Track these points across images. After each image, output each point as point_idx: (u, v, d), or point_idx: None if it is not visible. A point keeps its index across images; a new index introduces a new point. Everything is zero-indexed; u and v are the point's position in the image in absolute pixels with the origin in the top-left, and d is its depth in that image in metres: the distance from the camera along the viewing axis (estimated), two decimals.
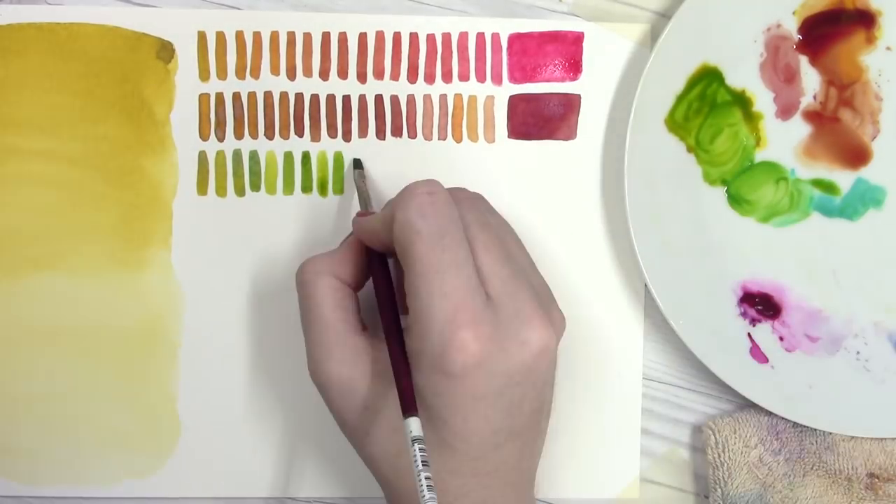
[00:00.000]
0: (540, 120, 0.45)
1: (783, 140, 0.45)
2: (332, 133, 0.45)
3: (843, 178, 0.45)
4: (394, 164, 0.45)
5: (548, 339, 0.36)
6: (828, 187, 0.45)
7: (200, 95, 0.45)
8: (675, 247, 0.44)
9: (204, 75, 0.45)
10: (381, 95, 0.45)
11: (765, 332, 0.45)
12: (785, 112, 0.45)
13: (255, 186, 0.45)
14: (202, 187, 0.45)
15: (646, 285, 0.45)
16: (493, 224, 0.39)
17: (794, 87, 0.45)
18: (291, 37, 0.45)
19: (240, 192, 0.45)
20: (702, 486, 0.46)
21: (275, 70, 0.45)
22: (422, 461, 0.33)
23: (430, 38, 0.45)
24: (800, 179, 0.45)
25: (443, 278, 0.35)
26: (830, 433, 0.45)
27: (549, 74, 0.45)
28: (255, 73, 0.45)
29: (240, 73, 0.45)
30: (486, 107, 0.45)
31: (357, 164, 0.45)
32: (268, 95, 0.45)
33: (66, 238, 0.44)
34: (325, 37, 0.45)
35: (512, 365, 0.36)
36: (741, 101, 0.45)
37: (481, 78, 0.45)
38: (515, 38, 0.45)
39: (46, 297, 0.44)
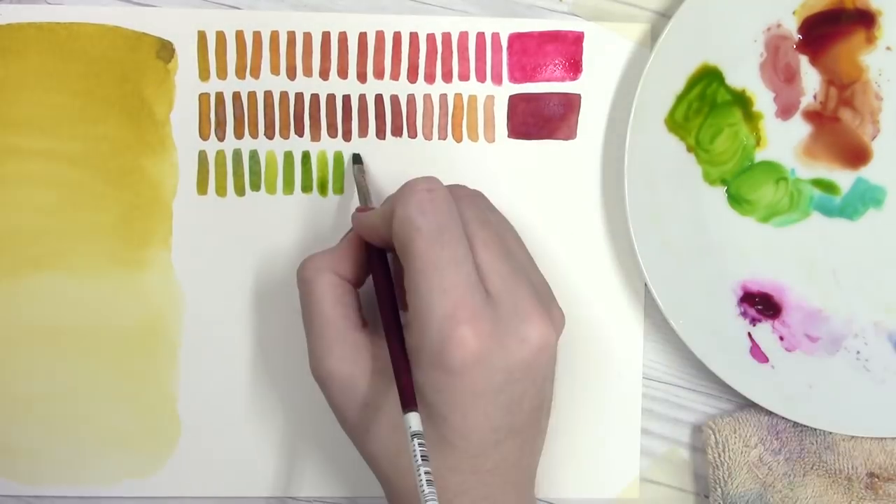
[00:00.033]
0: (540, 120, 0.45)
1: (783, 140, 0.45)
2: (332, 133, 0.45)
3: (843, 178, 0.45)
4: (394, 164, 0.45)
5: (547, 335, 0.36)
6: (828, 187, 0.45)
7: (200, 95, 0.45)
8: (675, 247, 0.44)
9: (204, 75, 0.45)
10: (381, 95, 0.45)
11: (765, 332, 0.45)
12: (785, 112, 0.45)
13: (255, 186, 0.45)
14: (202, 187, 0.45)
15: (646, 285, 0.45)
16: (493, 221, 0.39)
17: (794, 86, 0.45)
18: (291, 37, 0.45)
19: (240, 191, 0.45)
20: (702, 486, 0.46)
21: (275, 70, 0.45)
22: (421, 456, 0.33)
23: (430, 38, 0.45)
24: (800, 179, 0.45)
25: (442, 275, 0.35)
26: (830, 433, 0.45)
27: (549, 74, 0.45)
28: (255, 73, 0.45)
29: (240, 73, 0.45)
30: (486, 106, 0.45)
31: (357, 158, 0.45)
32: (268, 95, 0.45)
33: (66, 238, 0.44)
34: (325, 37, 0.45)
35: (511, 361, 0.36)
36: (741, 100, 0.45)
37: (481, 78, 0.45)
38: (515, 38, 0.45)
39: (46, 297, 0.44)
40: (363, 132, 0.45)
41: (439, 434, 0.36)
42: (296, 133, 0.45)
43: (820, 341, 0.45)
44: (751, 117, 0.45)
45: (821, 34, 0.44)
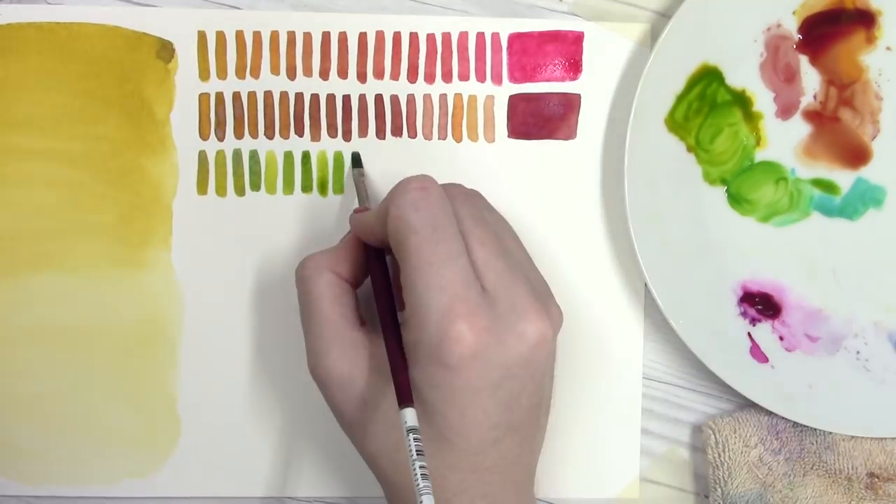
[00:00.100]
0: (540, 120, 0.45)
1: (783, 140, 0.45)
2: (332, 133, 0.45)
3: (843, 178, 0.45)
4: (394, 164, 0.45)
5: (544, 331, 0.36)
6: (828, 187, 0.45)
7: (200, 95, 0.45)
8: (675, 247, 0.44)
9: (204, 75, 0.45)
10: (381, 95, 0.45)
11: (765, 332, 0.45)
12: (785, 112, 0.45)
13: (255, 186, 0.45)
14: (202, 187, 0.45)
15: (646, 285, 0.45)
16: (489, 219, 0.39)
17: (794, 86, 0.45)
18: (291, 37, 0.45)
19: (240, 191, 0.45)
20: (702, 486, 0.46)
21: (275, 70, 0.45)
22: (416, 451, 0.33)
23: (430, 38, 0.45)
24: (800, 179, 0.45)
25: (438, 271, 0.35)
26: (830, 433, 0.45)
27: (549, 74, 0.45)
28: (255, 73, 0.45)
29: (240, 73, 0.45)
30: (486, 106, 0.45)
31: (356, 162, 0.45)
32: (268, 95, 0.45)
33: (66, 238, 0.44)
34: (325, 37, 0.45)
35: (509, 357, 0.36)
36: (741, 100, 0.45)
37: (481, 78, 0.45)
38: (515, 38, 0.45)
39: (46, 296, 0.44)
40: (363, 132, 0.45)
41: (437, 431, 0.36)
42: (296, 133, 0.45)
43: (820, 341, 0.45)
44: (751, 117, 0.45)
45: (821, 34, 0.44)
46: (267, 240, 0.45)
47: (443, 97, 0.45)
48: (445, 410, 0.36)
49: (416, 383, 0.36)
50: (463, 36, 0.45)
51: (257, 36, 0.45)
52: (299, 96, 0.45)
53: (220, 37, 0.45)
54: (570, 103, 0.45)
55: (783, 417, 0.45)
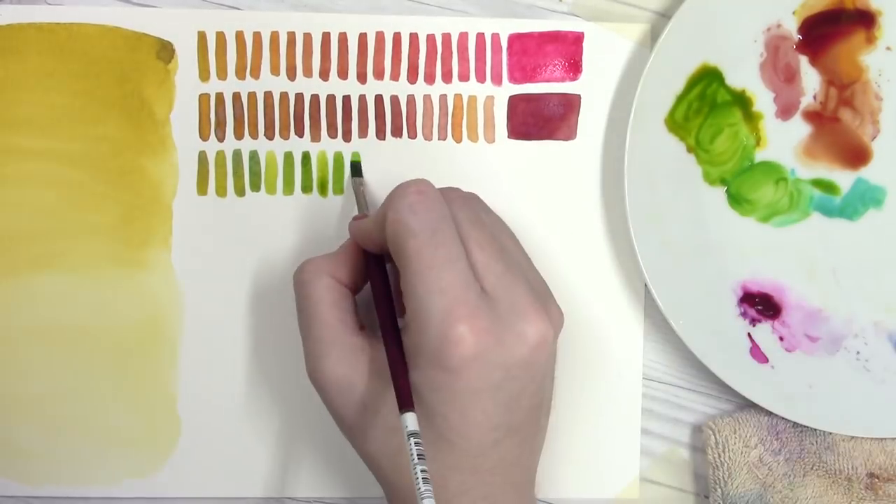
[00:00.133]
0: (540, 120, 0.45)
1: (783, 140, 0.45)
2: (332, 133, 0.45)
3: (843, 178, 0.45)
4: (394, 164, 0.45)
5: (545, 332, 0.36)
6: (828, 187, 0.45)
7: (200, 95, 0.45)
8: (675, 247, 0.44)
9: (204, 75, 0.45)
10: (381, 95, 0.45)
11: (765, 332, 0.45)
12: (785, 112, 0.45)
13: (255, 186, 0.45)
14: (202, 187, 0.45)
15: (646, 285, 0.45)
16: (487, 222, 0.39)
17: (794, 87, 0.45)
18: (291, 37, 0.45)
19: (240, 192, 0.45)
20: (702, 486, 0.46)
21: (275, 70, 0.45)
22: (418, 455, 0.33)
23: (430, 38, 0.45)
24: (800, 179, 0.45)
25: (438, 274, 0.35)
26: (830, 433, 0.45)
27: (549, 74, 0.45)
28: (255, 73, 0.45)
29: (240, 73, 0.45)
30: (486, 107, 0.45)
31: (355, 170, 0.45)
32: (268, 95, 0.45)
33: (66, 238, 0.44)
34: (325, 37, 0.45)
35: (509, 358, 0.36)
36: (741, 101, 0.45)
37: (481, 78, 0.45)
38: (515, 38, 0.45)
39: (46, 296, 0.44)
40: (363, 132, 0.45)
41: (438, 433, 0.36)
42: (296, 133, 0.45)
43: (820, 341, 0.45)
44: (751, 117, 0.45)
45: (821, 34, 0.44)
46: (267, 240, 0.45)
47: (443, 97, 0.45)
48: (446, 412, 0.36)
49: (417, 386, 0.36)
50: (463, 36, 0.45)
51: (257, 36, 0.45)
52: (299, 97, 0.45)
53: (220, 37, 0.45)
54: (570, 103, 0.45)
55: (783, 418, 0.44)
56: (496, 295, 0.36)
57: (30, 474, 0.45)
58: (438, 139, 0.45)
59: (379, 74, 0.45)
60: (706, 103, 0.44)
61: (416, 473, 0.33)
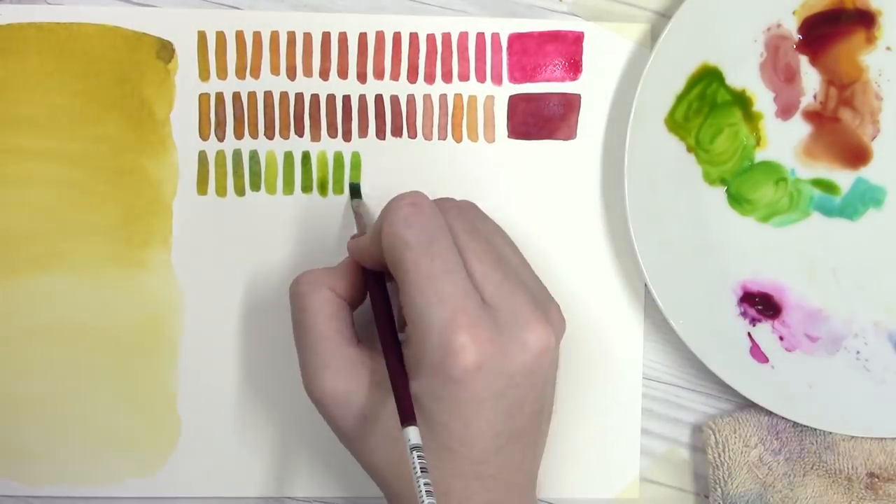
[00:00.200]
0: (540, 120, 0.45)
1: (783, 140, 0.45)
2: (332, 133, 0.45)
3: (843, 178, 0.45)
4: (394, 164, 0.45)
5: (547, 339, 0.36)
6: (828, 187, 0.45)
7: (200, 95, 0.45)
8: (675, 247, 0.44)
9: (204, 75, 0.45)
10: (381, 95, 0.45)
11: (765, 332, 0.45)
12: (785, 112, 0.45)
13: (255, 186, 0.45)
14: (202, 187, 0.45)
15: (646, 285, 0.45)
16: (484, 230, 0.39)
17: (794, 86, 0.45)
18: (291, 37, 0.45)
19: (240, 192, 0.45)
20: (702, 486, 0.46)
21: (275, 70, 0.45)
22: (420, 468, 0.33)
23: (430, 38, 0.45)
24: (800, 179, 0.45)
25: (436, 285, 0.35)
26: (830, 433, 0.45)
27: (549, 74, 0.45)
28: (255, 73, 0.45)
29: (240, 73, 0.45)
30: (486, 107, 0.45)
31: (354, 192, 0.45)
32: (268, 95, 0.45)
33: (66, 238, 0.44)
34: (325, 37, 0.45)
35: (512, 367, 0.36)
36: (741, 100, 0.45)
37: (481, 78, 0.45)
38: (515, 38, 0.45)
39: (46, 296, 0.44)
40: (363, 132, 0.45)
41: (440, 442, 0.36)
42: (296, 133, 0.45)
43: (820, 341, 0.45)
44: (751, 117, 0.45)
45: (821, 34, 0.44)
46: (267, 240, 0.45)
47: (443, 97, 0.45)
48: (449, 422, 0.36)
49: (418, 396, 0.36)
50: (463, 36, 0.45)
51: (257, 36, 0.45)
52: (299, 96, 0.45)
53: (220, 37, 0.45)
54: (570, 103, 0.45)
55: (783, 417, 0.45)
56: (496, 304, 0.36)
57: (30, 474, 0.45)
58: (438, 139, 0.45)
59: (379, 74, 0.45)
60: (706, 103, 0.44)
61: (419, 487, 0.33)
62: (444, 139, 0.45)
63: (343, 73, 0.45)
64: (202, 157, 0.45)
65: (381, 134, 0.45)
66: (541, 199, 0.45)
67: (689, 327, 0.44)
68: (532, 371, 0.36)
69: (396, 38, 0.45)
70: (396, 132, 0.45)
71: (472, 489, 0.37)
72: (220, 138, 0.45)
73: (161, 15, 0.44)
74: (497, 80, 0.45)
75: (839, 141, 0.45)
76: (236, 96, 0.45)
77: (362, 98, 0.45)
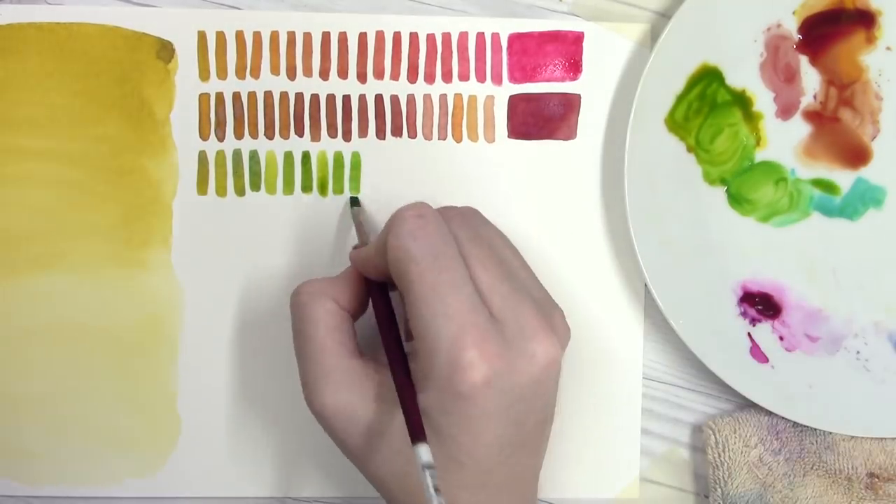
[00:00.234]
0: (540, 120, 0.45)
1: (783, 140, 0.45)
2: (332, 133, 0.45)
3: (843, 178, 0.45)
4: (394, 164, 0.45)
5: (554, 351, 0.36)
6: (828, 187, 0.45)
7: (200, 95, 0.45)
8: (675, 247, 0.44)
9: (204, 75, 0.45)
10: (381, 95, 0.45)
11: (765, 332, 0.45)
12: (785, 112, 0.45)
13: (255, 186, 0.45)
14: (202, 187, 0.45)
15: (646, 285, 0.45)
16: (487, 237, 0.39)
17: (794, 86, 0.45)
18: (291, 37, 0.45)
19: (240, 192, 0.45)
20: (702, 486, 0.46)
21: (275, 70, 0.45)
22: (434, 488, 0.33)
23: (430, 38, 0.45)
24: (800, 179, 0.45)
25: (443, 299, 0.35)
26: (830, 433, 0.45)
27: (549, 74, 0.45)
28: (255, 73, 0.45)
29: (240, 73, 0.45)
30: (486, 107, 0.45)
31: (354, 201, 0.44)
32: (268, 95, 0.45)
33: (66, 238, 0.44)
34: (325, 37, 0.45)
35: (520, 380, 0.35)
36: (741, 100, 0.45)
37: (481, 78, 0.45)
38: (515, 38, 0.45)
39: (46, 296, 0.44)
40: (363, 132, 0.45)
41: (448, 454, 0.36)
42: (296, 133, 0.45)
43: (820, 341, 0.45)
44: (751, 117, 0.45)
45: (821, 34, 0.44)
46: (267, 240, 0.45)
47: (443, 97, 0.45)
48: (458, 435, 0.35)
49: (426, 409, 0.36)
50: (463, 36, 0.45)
51: (257, 36, 0.45)
52: (299, 96, 0.45)
53: (220, 37, 0.45)
54: (570, 103, 0.45)
55: (783, 417, 0.45)
56: (503, 317, 0.36)
57: (30, 474, 0.45)
58: (438, 139, 0.45)
59: (379, 74, 0.45)
60: (706, 103, 0.44)
61: None
62: (444, 139, 0.45)
63: (343, 73, 0.45)
64: (202, 157, 0.45)
65: (381, 134, 0.45)
66: (541, 199, 0.45)
67: (689, 327, 0.44)
68: (539, 382, 0.36)
69: (396, 38, 0.45)
70: (396, 132, 0.45)
71: (478, 498, 0.36)
72: (220, 138, 0.45)
73: (161, 15, 0.44)
74: (497, 80, 0.45)
75: (839, 141, 0.45)
76: (236, 96, 0.45)
77: (362, 98, 0.45)
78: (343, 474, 0.45)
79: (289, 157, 0.45)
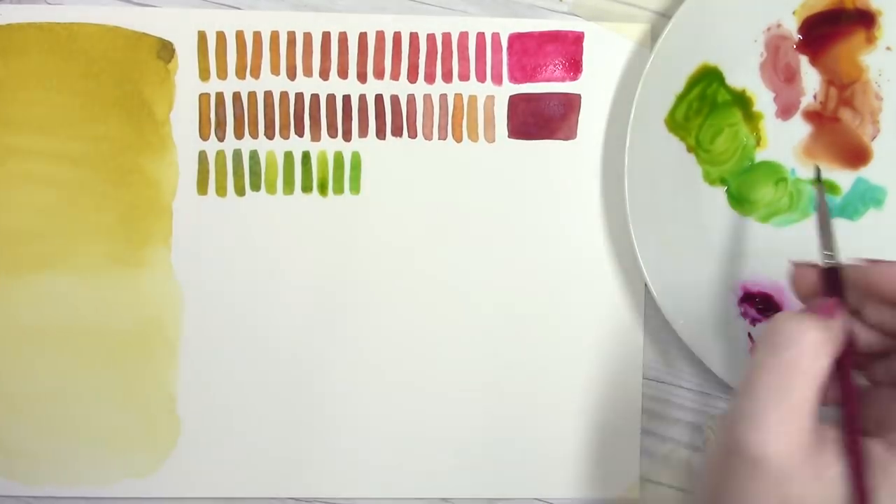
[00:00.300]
0: (540, 120, 0.45)
1: (783, 140, 0.45)
2: (332, 133, 0.45)
3: (844, 178, 0.45)
4: (394, 164, 0.45)
5: None
6: (828, 187, 0.45)
7: (200, 95, 0.45)
8: (675, 247, 0.44)
9: (204, 75, 0.45)
10: (381, 95, 0.45)
11: None
12: (785, 112, 0.45)
13: (255, 186, 0.45)
14: (202, 187, 0.45)
15: (646, 285, 0.45)
16: None
17: (794, 86, 0.45)
18: (291, 37, 0.45)
19: (240, 192, 0.45)
20: None
21: (275, 70, 0.45)
22: None
23: (430, 38, 0.45)
24: (800, 179, 0.45)
25: None
26: None
27: (550, 74, 0.45)
28: (255, 73, 0.45)
29: (240, 73, 0.45)
30: (487, 107, 0.45)
31: (818, 177, 0.41)
32: (268, 95, 0.45)
33: (66, 238, 0.44)
34: (325, 37, 0.45)
35: None
36: (741, 100, 0.45)
37: (481, 78, 0.45)
38: (515, 38, 0.45)
39: (46, 296, 0.44)
40: (363, 132, 0.45)
41: None
42: (296, 133, 0.45)
43: None
44: (751, 117, 0.45)
45: (821, 34, 0.44)
46: (267, 240, 0.45)
47: (443, 97, 0.45)
48: None
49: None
50: (463, 36, 0.45)
51: (257, 36, 0.45)
52: (299, 96, 0.45)
53: (220, 37, 0.45)
54: (570, 103, 0.45)
55: None
56: None
57: (30, 474, 0.45)
58: (438, 139, 0.45)
59: (379, 74, 0.45)
60: (706, 103, 0.44)
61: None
62: (445, 139, 0.45)
63: (343, 73, 0.45)
64: (202, 157, 0.45)
65: (381, 134, 0.45)
66: (541, 199, 0.45)
67: (689, 327, 0.44)
68: None
69: (396, 38, 0.45)
70: (396, 132, 0.45)
71: None
72: (220, 138, 0.45)
73: (161, 15, 0.44)
74: (497, 80, 0.45)
75: (839, 141, 0.45)
76: (236, 96, 0.45)
77: (362, 98, 0.45)
78: (343, 474, 0.45)
79: (289, 157, 0.45)
